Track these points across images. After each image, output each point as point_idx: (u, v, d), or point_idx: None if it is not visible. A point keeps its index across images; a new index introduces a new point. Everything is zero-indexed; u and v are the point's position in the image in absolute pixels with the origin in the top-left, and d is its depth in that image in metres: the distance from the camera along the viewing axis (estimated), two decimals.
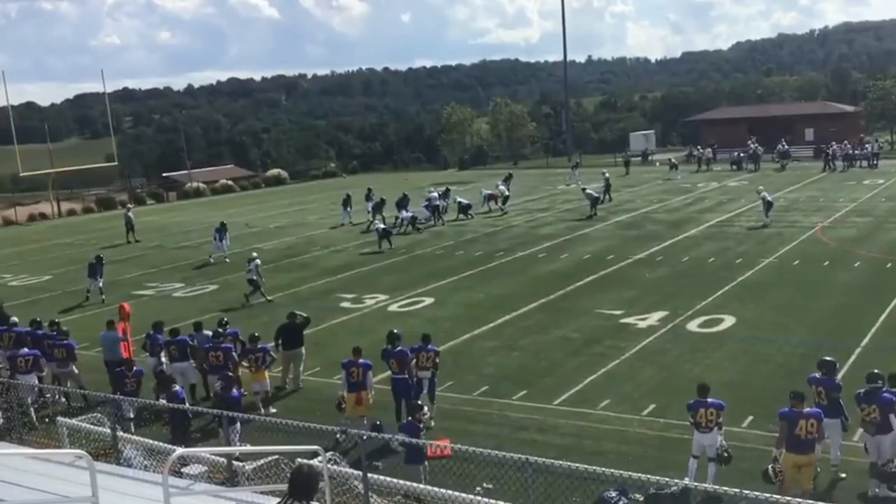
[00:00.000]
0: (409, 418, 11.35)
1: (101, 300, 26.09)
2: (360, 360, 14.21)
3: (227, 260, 31.99)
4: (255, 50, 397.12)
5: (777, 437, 10.95)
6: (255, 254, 26.36)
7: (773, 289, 22.90)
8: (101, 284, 26.75)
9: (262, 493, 9.34)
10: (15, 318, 19.18)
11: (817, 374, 12.01)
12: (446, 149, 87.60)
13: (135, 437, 12.23)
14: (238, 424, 12.47)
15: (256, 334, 16.42)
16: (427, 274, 27.40)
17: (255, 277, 24.63)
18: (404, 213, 37.82)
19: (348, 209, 41.06)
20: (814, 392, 11.76)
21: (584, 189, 41.64)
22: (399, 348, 14.52)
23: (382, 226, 33.66)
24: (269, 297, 24.79)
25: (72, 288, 29.35)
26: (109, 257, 35.76)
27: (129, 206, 48.49)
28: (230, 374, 14.71)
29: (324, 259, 31.63)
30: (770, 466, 10.70)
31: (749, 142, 59.42)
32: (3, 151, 71.22)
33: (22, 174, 60.95)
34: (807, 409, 10.71)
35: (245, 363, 15.90)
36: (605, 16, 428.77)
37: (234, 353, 16.01)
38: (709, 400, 11.55)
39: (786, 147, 58.57)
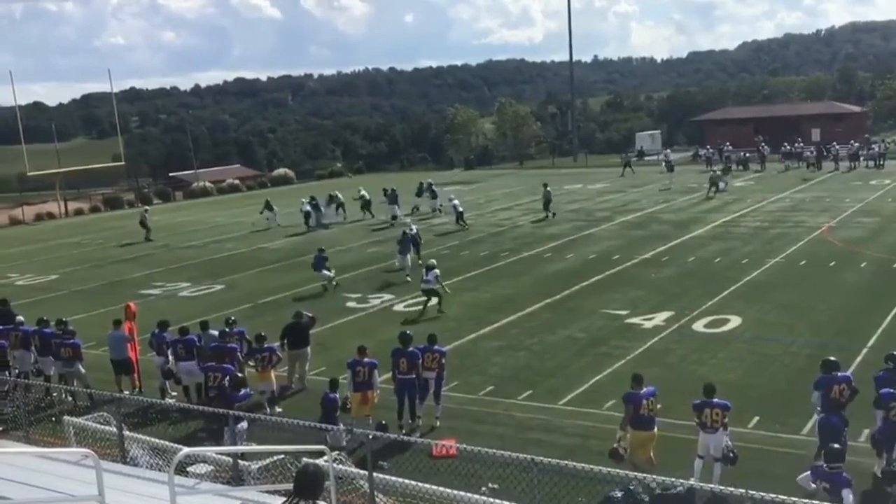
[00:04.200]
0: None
1: (333, 286, 25.95)
2: (366, 360, 14.22)
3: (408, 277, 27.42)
4: (261, 50, 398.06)
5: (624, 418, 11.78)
6: (433, 261, 23.82)
7: (779, 289, 22.85)
8: (331, 275, 26.22)
9: (267, 492, 9.36)
10: (21, 317, 19.23)
11: (838, 373, 11.94)
12: (452, 149, 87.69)
13: (141, 437, 12.26)
14: (245, 423, 12.49)
15: (262, 334, 16.42)
16: None
17: (434, 287, 22.39)
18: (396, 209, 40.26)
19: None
20: (836, 391, 11.67)
21: (451, 199, 39.73)
22: (411, 349, 14.53)
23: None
24: (441, 310, 22.38)
25: (78, 287, 29.45)
26: (116, 257, 35.95)
27: (145, 207, 48.75)
28: (238, 374, 14.68)
29: (330, 259, 31.60)
30: (616, 445, 11.52)
31: (761, 143, 59.36)
32: (11, 151, 71.62)
33: (29, 174, 61.10)
34: (644, 390, 11.72)
35: (251, 363, 15.91)
36: (609, 16, 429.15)
37: (238, 353, 16.01)
38: (714, 400, 11.54)
39: (800, 147, 57.90)
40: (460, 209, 37.57)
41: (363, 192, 43.62)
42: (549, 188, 40.70)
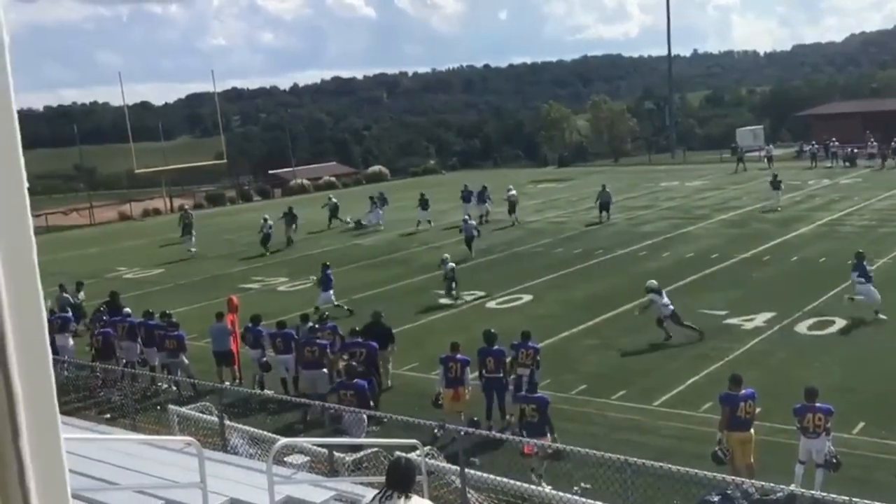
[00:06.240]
0: None
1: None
2: (459, 356, 14.26)
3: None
4: (356, 49, 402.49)
5: (721, 420, 11.65)
6: (653, 282, 19.35)
7: (887, 290, 21.84)
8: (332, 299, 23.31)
9: (361, 484, 9.50)
10: (128, 309, 20.05)
11: None
12: (546, 146, 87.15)
13: (241, 426, 12.60)
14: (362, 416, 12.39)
15: (357, 328, 16.65)
16: (525, 271, 27.29)
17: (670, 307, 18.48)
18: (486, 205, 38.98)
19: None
20: None
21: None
22: (496, 347, 14.51)
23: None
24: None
25: (182, 281, 30.48)
26: (217, 252, 37.00)
27: (185, 206, 49.86)
28: (359, 368, 14.45)
29: (423, 255, 31.86)
30: (718, 448, 11.34)
31: (870, 138, 56.95)
32: (120, 149, 74.26)
33: (137, 171, 63.48)
34: (743, 392, 11.49)
35: (345, 356, 16.11)
36: (708, 8, 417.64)
37: (327, 350, 16.16)
38: (817, 404, 11.17)
39: None
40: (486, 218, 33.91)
41: (333, 199, 42.91)
42: (607, 189, 38.70)
